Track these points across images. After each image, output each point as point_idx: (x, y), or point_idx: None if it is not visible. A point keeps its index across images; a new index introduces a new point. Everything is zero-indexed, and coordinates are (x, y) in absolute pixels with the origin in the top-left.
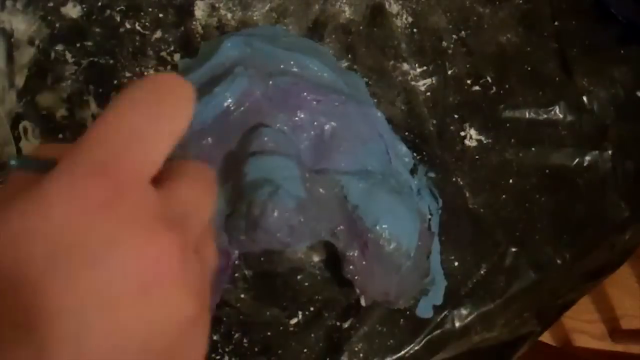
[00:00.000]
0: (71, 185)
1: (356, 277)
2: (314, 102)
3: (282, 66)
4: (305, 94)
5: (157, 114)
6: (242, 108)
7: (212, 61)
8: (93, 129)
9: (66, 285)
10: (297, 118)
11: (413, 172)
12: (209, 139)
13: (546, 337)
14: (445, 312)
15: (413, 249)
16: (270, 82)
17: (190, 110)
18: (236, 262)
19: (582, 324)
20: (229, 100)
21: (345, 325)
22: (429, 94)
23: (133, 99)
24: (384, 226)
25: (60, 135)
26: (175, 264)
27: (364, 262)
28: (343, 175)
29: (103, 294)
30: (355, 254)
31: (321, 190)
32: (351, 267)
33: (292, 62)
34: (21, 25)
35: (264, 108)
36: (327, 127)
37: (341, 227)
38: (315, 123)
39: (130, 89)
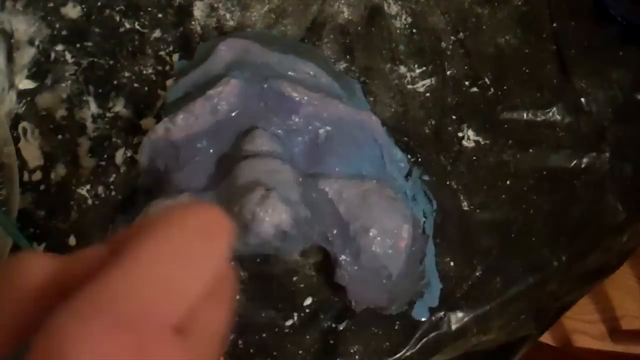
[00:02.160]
0: (92, 338)
1: (348, 283)
2: (309, 106)
3: (277, 69)
4: (300, 98)
5: (192, 260)
6: (237, 111)
7: (207, 63)
8: (120, 271)
9: None
10: (291, 122)
11: (408, 175)
12: (203, 141)
13: (546, 338)
14: (441, 314)
15: (406, 256)
16: (265, 85)
17: (228, 251)
18: (231, 263)
19: (582, 325)
20: (224, 103)
21: (341, 327)
22: (427, 94)
23: (169, 239)
24: (377, 232)
25: (60, 136)
26: None
27: (356, 268)
28: (337, 180)
29: None
30: (348, 260)
31: (314, 194)
32: (343, 272)
33: (287, 66)
34: (21, 25)
35: (258, 111)
36: (321, 131)
37: (334, 232)
38: (309, 127)
39: (167, 223)
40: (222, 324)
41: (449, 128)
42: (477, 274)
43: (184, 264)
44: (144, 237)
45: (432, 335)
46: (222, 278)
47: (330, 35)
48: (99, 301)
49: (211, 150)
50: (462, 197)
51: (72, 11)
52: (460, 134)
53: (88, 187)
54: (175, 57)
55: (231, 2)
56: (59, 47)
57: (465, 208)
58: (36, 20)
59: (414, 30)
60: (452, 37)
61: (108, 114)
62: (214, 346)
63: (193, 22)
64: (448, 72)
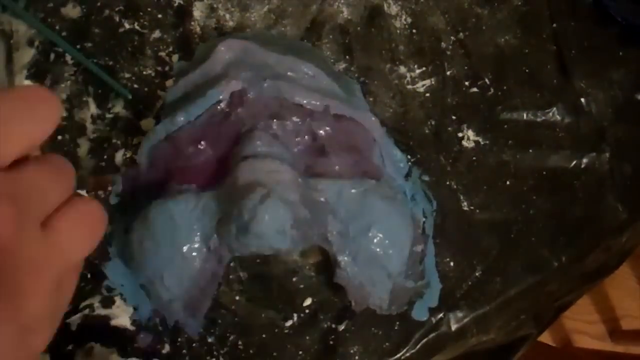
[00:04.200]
0: None
1: (348, 283)
2: (308, 107)
3: (276, 70)
4: (299, 98)
5: (13, 118)
6: (236, 112)
7: (206, 64)
8: None
9: None
10: (290, 122)
11: (407, 175)
12: (203, 142)
13: (546, 338)
14: (440, 315)
15: (405, 256)
16: (265, 85)
17: (52, 122)
18: (231, 264)
19: (582, 325)
20: (223, 104)
21: (341, 327)
22: (427, 95)
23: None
24: (376, 232)
25: (60, 137)
26: (9, 232)
27: (355, 268)
28: (336, 181)
29: None
30: (348, 260)
31: (314, 195)
32: (343, 272)
33: (286, 66)
34: (21, 26)
35: (257, 112)
36: (321, 131)
37: (334, 232)
38: (309, 128)
39: None
40: (50, 187)
41: (449, 128)
42: (477, 274)
43: (10, 120)
44: None
45: (432, 335)
46: (59, 161)
47: (330, 36)
48: None
49: (211, 151)
50: (462, 197)
51: (72, 12)
52: (460, 134)
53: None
54: (175, 57)
55: (231, 3)
56: (59, 48)
57: (465, 208)
58: (36, 21)
59: (414, 31)
60: (452, 37)
61: (108, 115)
62: (35, 197)
63: (192, 23)
64: (448, 72)
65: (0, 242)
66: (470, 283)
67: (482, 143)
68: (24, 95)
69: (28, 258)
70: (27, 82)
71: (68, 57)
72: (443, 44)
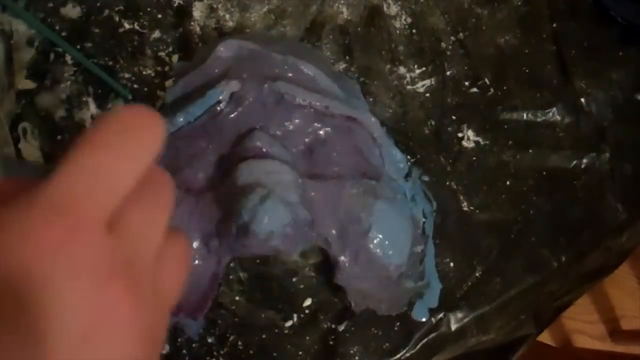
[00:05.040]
0: (25, 225)
1: (347, 284)
2: (308, 108)
3: (276, 71)
4: (299, 99)
5: (122, 151)
6: (236, 112)
7: (206, 65)
8: (57, 168)
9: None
10: (290, 123)
11: (407, 175)
12: (203, 142)
13: (546, 338)
14: (440, 315)
15: (405, 257)
16: (265, 86)
17: (159, 144)
18: (231, 264)
19: (582, 325)
20: (222, 104)
21: (341, 328)
22: (427, 95)
23: (99, 136)
24: (376, 233)
25: (59, 137)
26: (127, 311)
27: (355, 269)
28: (336, 181)
29: (41, 344)
30: (347, 260)
31: (314, 195)
32: (343, 273)
33: (286, 67)
34: (21, 26)
35: (257, 112)
36: (321, 132)
37: (333, 233)
38: (309, 129)
39: (96, 125)
40: (154, 227)
41: (449, 128)
42: (477, 274)
43: (114, 155)
44: (87, 132)
45: (431, 335)
46: (155, 179)
47: (330, 36)
48: (32, 195)
49: (210, 152)
50: (461, 198)
51: (72, 12)
52: (460, 135)
53: None
54: (175, 57)
55: (230, 3)
56: (59, 48)
57: (465, 208)
58: (36, 21)
59: (414, 31)
60: (452, 38)
61: None
62: (144, 247)
63: (192, 23)
64: (448, 73)
65: (119, 325)
66: (470, 283)
67: (482, 143)
68: (126, 119)
69: (144, 326)
70: (27, 82)
71: (68, 57)
72: (443, 44)
